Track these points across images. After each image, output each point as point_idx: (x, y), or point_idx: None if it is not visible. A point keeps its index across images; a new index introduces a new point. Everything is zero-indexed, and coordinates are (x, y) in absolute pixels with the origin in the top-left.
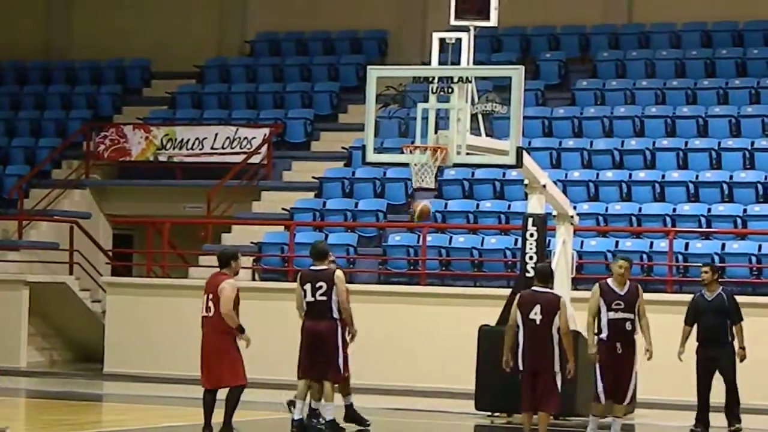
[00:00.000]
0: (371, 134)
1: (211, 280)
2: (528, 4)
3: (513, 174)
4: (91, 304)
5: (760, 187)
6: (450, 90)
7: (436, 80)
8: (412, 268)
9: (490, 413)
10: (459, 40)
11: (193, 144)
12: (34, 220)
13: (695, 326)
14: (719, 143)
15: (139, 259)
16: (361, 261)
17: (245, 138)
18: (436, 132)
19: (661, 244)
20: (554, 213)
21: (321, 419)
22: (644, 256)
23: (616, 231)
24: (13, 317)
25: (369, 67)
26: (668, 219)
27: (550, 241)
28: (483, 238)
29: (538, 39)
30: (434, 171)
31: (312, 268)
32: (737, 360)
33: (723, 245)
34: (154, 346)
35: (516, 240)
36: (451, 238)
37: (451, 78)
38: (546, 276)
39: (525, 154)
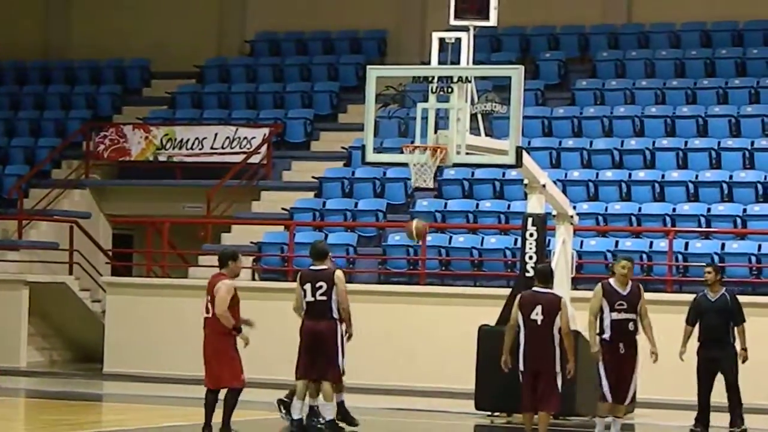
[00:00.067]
0: (371, 134)
1: (211, 280)
2: (527, 4)
3: (513, 174)
4: (91, 304)
5: (759, 186)
6: (450, 90)
7: (435, 80)
8: (411, 267)
9: (489, 413)
10: (459, 39)
11: (193, 144)
12: (33, 219)
13: (696, 326)
14: (719, 143)
15: (139, 259)
16: (360, 261)
17: (245, 138)
18: (435, 132)
19: (661, 244)
20: (554, 213)
21: (321, 419)
22: (644, 255)
23: (616, 231)
24: (13, 317)
25: (369, 66)
26: (668, 219)
27: (549, 240)
28: (483, 238)
29: (538, 39)
30: (434, 171)
31: (312, 267)
32: (739, 361)
33: (723, 245)
34: (153, 346)
35: (516, 240)
36: (450, 237)
37: (451, 78)
38: (546, 276)
39: (525, 153)
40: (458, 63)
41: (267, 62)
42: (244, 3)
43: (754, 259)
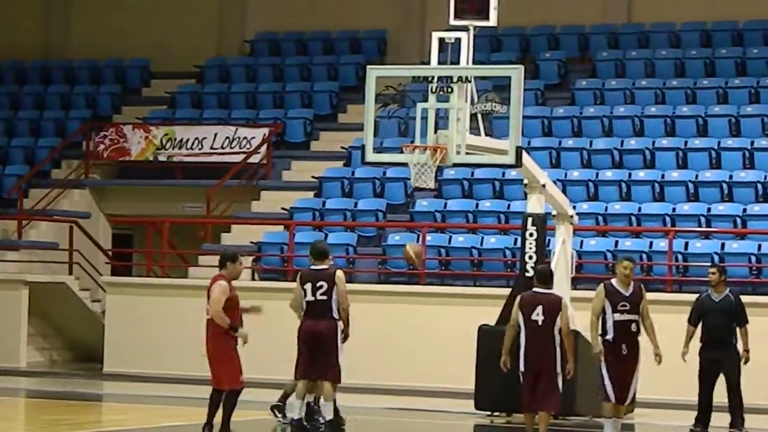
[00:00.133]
0: (371, 134)
1: (210, 281)
2: (527, 4)
3: (512, 174)
4: (91, 304)
5: (759, 186)
6: (449, 90)
7: (435, 80)
8: (411, 267)
9: (489, 413)
10: (458, 39)
11: (193, 144)
12: (33, 219)
13: (699, 327)
14: (719, 143)
15: (139, 258)
16: (360, 261)
17: (245, 138)
18: (435, 132)
19: (661, 244)
20: (554, 213)
21: (320, 418)
22: (644, 255)
23: (616, 231)
24: (12, 317)
25: (368, 66)
26: (668, 219)
27: (549, 240)
28: (482, 238)
29: (538, 39)
30: (434, 171)
31: (312, 267)
32: (741, 362)
33: (723, 245)
34: (153, 346)
35: (515, 239)
36: (450, 237)
37: (451, 78)
38: (546, 277)
39: (524, 153)
40: (458, 63)
41: (267, 62)
42: (244, 3)
43: (754, 259)
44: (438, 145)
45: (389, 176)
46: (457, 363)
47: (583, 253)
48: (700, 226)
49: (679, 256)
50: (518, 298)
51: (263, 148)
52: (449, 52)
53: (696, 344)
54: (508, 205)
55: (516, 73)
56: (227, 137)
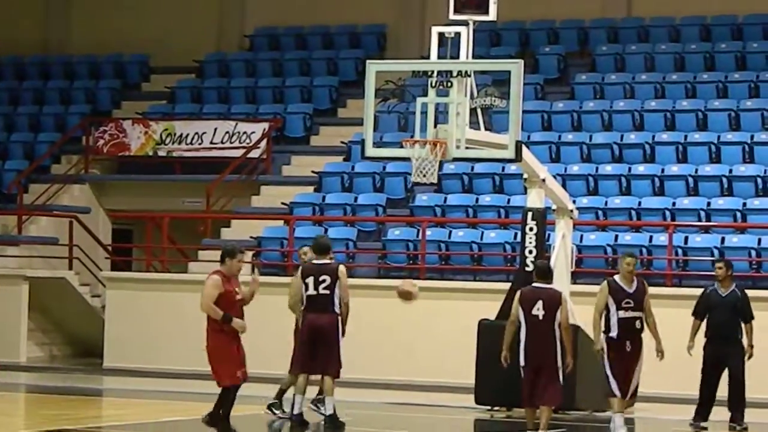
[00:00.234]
0: (370, 129)
1: (207, 276)
2: None
3: (512, 168)
4: (91, 299)
5: (759, 180)
6: (449, 84)
7: (435, 74)
8: (411, 262)
9: (489, 407)
10: (458, 34)
11: (193, 138)
12: (33, 215)
13: (704, 321)
14: (719, 137)
15: (139, 253)
16: (360, 255)
17: (244, 132)
18: (435, 126)
19: (661, 238)
20: (553, 207)
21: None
22: (644, 249)
23: (616, 225)
24: (12, 312)
25: (368, 61)
26: (668, 213)
27: (549, 235)
28: (482, 233)
29: (537, 33)
30: (436, 165)
31: (314, 261)
32: (745, 358)
33: (723, 239)
34: (153, 340)
35: (515, 234)
36: (450, 232)
37: (450, 72)
38: (546, 272)
39: (524, 148)
40: (458, 57)
41: (266, 57)
42: None
43: (754, 253)
44: (438, 139)
45: (389, 171)
46: (457, 357)
47: (583, 248)
48: (700, 220)
49: (679, 251)
50: (518, 293)
51: (263, 143)
52: (449, 47)
53: (701, 338)
54: (508, 200)
55: (515, 67)
56: (227, 132)
